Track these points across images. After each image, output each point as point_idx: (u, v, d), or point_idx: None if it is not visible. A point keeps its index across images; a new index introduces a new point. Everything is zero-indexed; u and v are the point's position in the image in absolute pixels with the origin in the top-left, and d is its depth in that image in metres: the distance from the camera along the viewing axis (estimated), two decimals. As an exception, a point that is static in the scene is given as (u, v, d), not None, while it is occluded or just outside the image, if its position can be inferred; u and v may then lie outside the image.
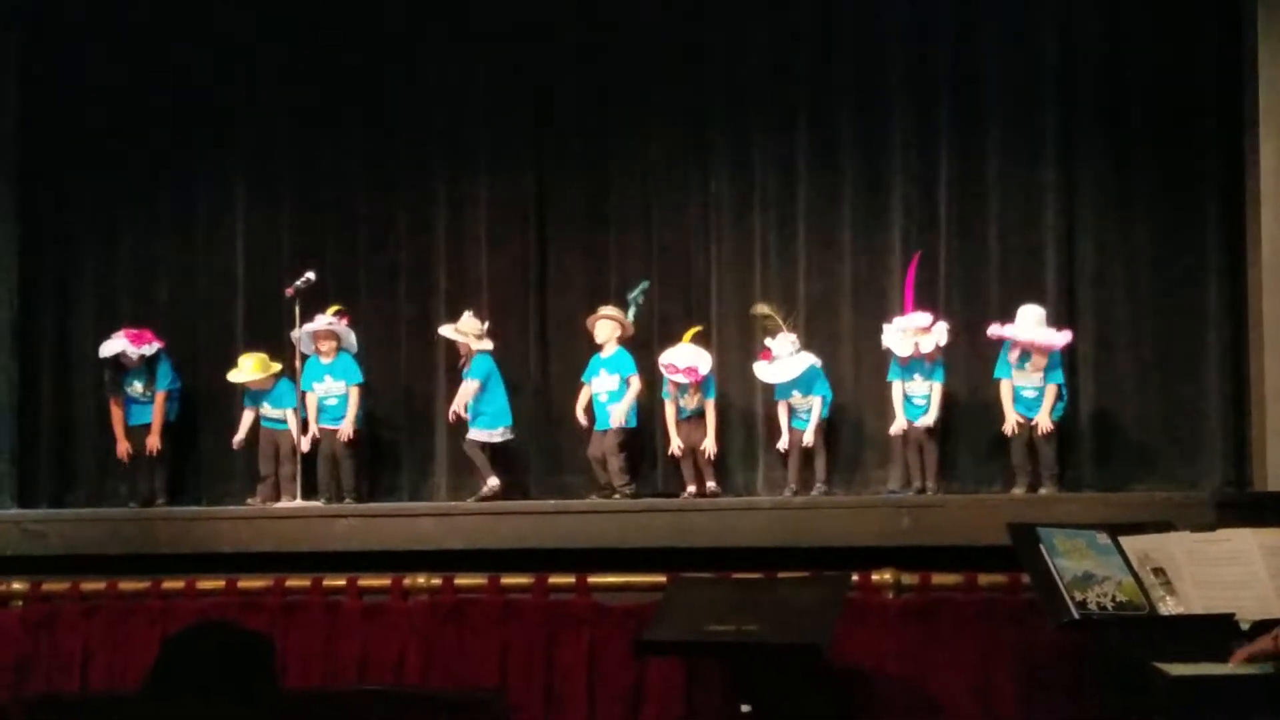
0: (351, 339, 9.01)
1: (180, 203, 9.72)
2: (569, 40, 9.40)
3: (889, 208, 9.01)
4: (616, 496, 8.49)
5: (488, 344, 8.86)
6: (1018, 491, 8.20)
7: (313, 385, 8.89)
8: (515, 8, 9.39)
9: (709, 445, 8.63)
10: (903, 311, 8.55)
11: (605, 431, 8.65)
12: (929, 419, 8.37)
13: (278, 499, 8.79)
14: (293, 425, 8.84)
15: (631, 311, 8.87)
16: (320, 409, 8.89)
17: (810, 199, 9.11)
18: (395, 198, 9.58)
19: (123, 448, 9.07)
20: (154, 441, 9.05)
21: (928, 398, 8.42)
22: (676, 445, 8.64)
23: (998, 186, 8.90)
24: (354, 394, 8.88)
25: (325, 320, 8.88)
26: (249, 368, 8.92)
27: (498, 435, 8.84)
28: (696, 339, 8.74)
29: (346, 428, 8.82)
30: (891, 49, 9.03)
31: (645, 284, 8.97)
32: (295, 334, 8.86)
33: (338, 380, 8.90)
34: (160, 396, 9.10)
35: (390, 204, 9.59)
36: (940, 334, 8.39)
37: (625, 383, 8.69)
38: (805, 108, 9.16)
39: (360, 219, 9.58)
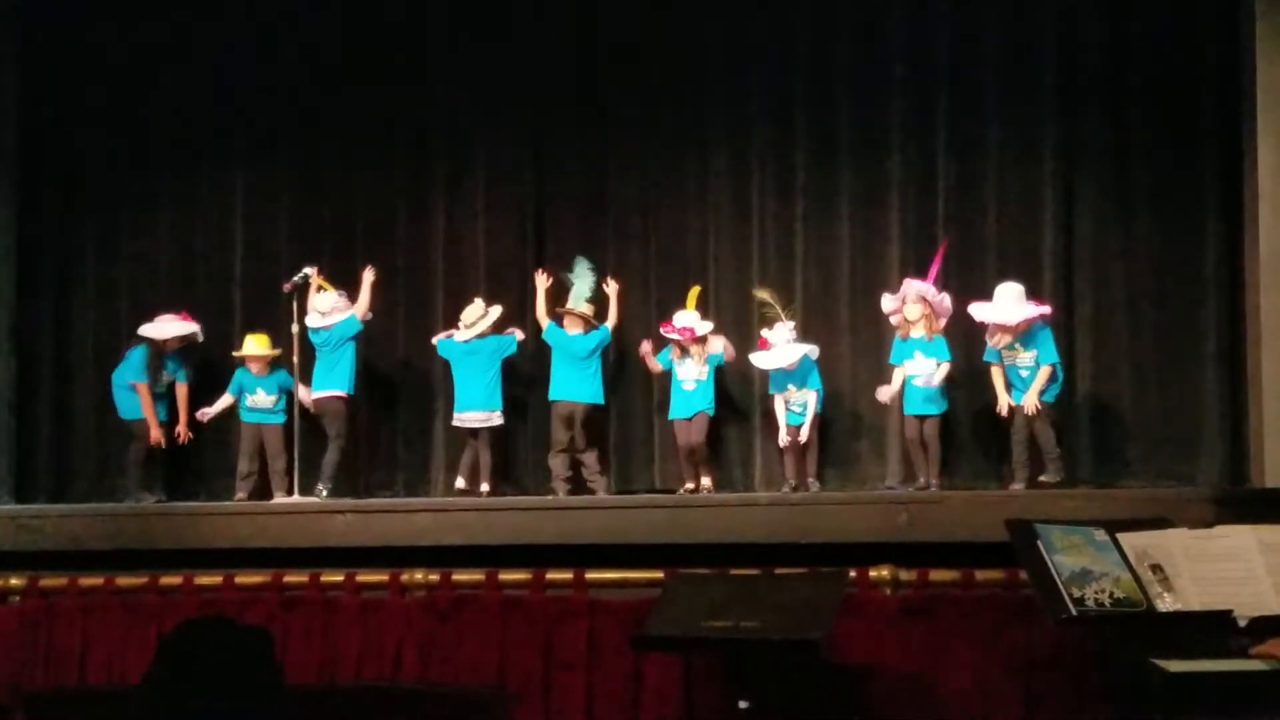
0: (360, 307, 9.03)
1: (179, 200, 9.74)
2: (569, 33, 9.41)
3: (887, 205, 9.01)
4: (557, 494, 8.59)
5: (463, 333, 8.91)
6: (1017, 487, 8.19)
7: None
8: (516, 6, 9.41)
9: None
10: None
11: (581, 406, 8.73)
12: (934, 387, 8.30)
13: (263, 496, 8.76)
14: (303, 395, 8.80)
15: (577, 289, 8.90)
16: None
17: (808, 194, 9.12)
18: (394, 192, 9.60)
19: (156, 434, 8.94)
20: (184, 431, 9.03)
21: (932, 377, 8.34)
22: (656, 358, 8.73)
23: (997, 182, 8.91)
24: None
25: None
26: (255, 343, 8.92)
27: (467, 420, 8.85)
28: (699, 304, 8.79)
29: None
30: (891, 46, 9.04)
31: (585, 263, 8.98)
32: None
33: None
34: (184, 388, 9.09)
35: (388, 199, 9.60)
36: (935, 302, 8.35)
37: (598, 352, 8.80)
38: (803, 103, 9.16)
39: (358, 214, 9.59)
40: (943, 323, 8.44)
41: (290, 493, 8.71)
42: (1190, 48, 8.63)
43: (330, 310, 8.92)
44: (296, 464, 8.75)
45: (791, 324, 8.61)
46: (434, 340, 9.06)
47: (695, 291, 8.87)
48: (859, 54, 9.09)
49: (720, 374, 8.80)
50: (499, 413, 8.91)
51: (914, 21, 9.03)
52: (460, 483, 8.82)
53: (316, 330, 8.89)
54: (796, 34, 9.20)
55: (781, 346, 8.54)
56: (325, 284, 8.99)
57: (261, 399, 8.92)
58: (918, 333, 8.35)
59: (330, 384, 8.84)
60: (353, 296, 9.01)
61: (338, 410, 8.87)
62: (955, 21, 8.99)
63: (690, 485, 8.61)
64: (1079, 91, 8.83)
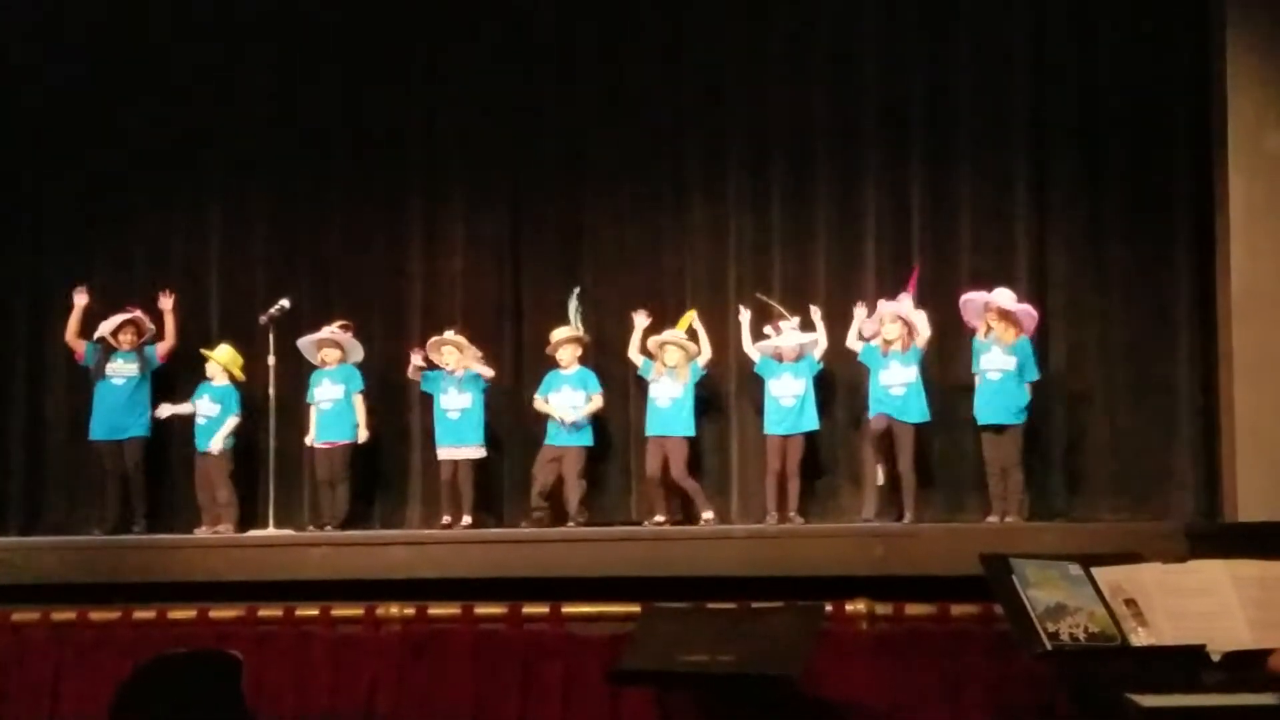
0: (356, 351, 9.01)
1: (153, 233, 9.72)
2: (548, 74, 9.46)
3: (862, 241, 9.07)
4: (570, 525, 8.54)
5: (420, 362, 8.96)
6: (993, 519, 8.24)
7: (313, 393, 8.91)
8: (494, 40, 9.44)
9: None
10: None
11: (563, 448, 8.69)
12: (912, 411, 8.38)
13: (230, 528, 8.75)
14: (228, 427, 8.87)
15: (578, 320, 8.94)
16: (318, 421, 8.87)
17: (785, 232, 9.18)
18: (371, 229, 9.61)
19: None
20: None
21: (907, 386, 8.40)
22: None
23: (970, 219, 8.97)
24: (357, 400, 8.92)
25: (328, 330, 8.92)
26: (223, 354, 8.97)
27: (448, 454, 8.84)
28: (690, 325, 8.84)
29: (362, 434, 8.89)
30: (865, 81, 9.12)
31: (577, 289, 9.03)
32: (300, 341, 8.91)
33: (336, 384, 8.89)
34: None
35: (366, 236, 9.61)
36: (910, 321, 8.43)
37: (588, 399, 8.78)
38: (780, 141, 9.23)
39: (334, 250, 9.61)
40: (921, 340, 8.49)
41: (266, 525, 8.68)
42: (1161, 85, 8.72)
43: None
44: (272, 495, 8.72)
45: (797, 320, 8.68)
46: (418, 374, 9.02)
47: (689, 316, 8.89)
48: (834, 89, 9.16)
49: (698, 401, 8.84)
50: (480, 446, 8.89)
51: (887, 56, 9.11)
52: (446, 519, 8.80)
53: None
54: (772, 67, 9.26)
55: (789, 333, 8.65)
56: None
57: (205, 407, 8.96)
58: (895, 349, 8.46)
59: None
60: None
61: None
62: (928, 55, 9.07)
63: (661, 518, 8.62)
64: (1050, 128, 8.91)
